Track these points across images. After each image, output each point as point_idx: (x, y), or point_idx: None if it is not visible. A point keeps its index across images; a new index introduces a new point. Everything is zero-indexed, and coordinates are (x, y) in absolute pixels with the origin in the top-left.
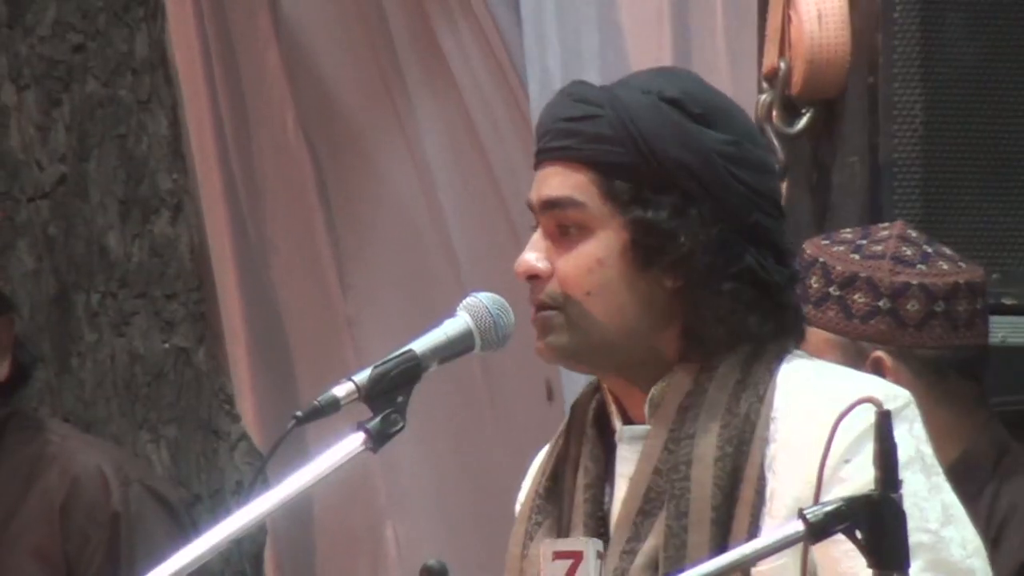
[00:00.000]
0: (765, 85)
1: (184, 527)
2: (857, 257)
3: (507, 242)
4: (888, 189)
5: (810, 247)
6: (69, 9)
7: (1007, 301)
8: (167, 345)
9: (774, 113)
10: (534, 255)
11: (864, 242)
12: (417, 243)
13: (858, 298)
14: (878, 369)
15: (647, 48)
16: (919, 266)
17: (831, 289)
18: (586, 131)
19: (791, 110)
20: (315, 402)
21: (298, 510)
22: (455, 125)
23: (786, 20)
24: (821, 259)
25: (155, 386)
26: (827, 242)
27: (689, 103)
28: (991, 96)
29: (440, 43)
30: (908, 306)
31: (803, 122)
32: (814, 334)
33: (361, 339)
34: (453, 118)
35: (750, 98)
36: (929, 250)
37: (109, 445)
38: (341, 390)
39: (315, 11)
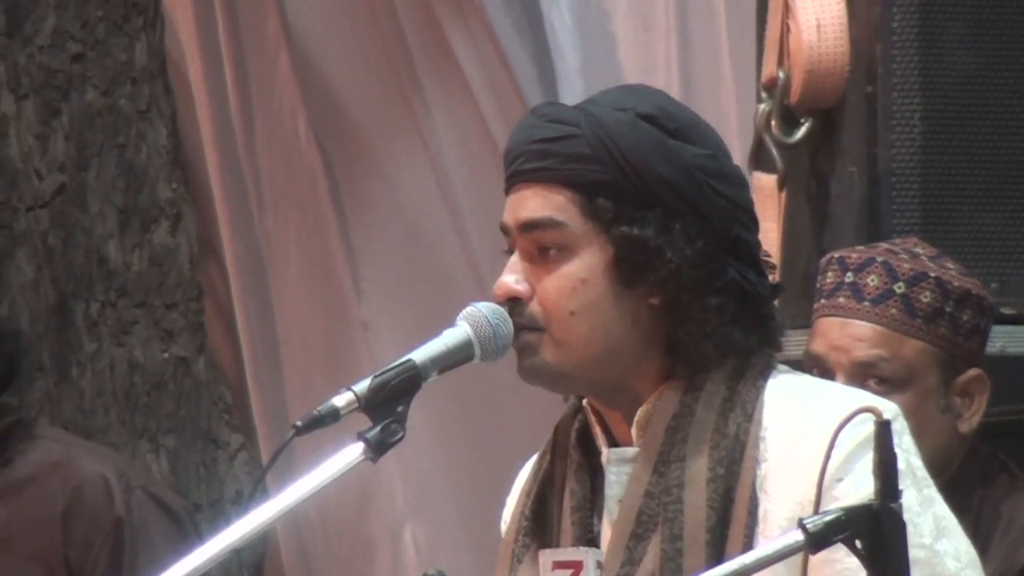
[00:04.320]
0: (764, 95)
1: (187, 534)
2: (962, 275)
3: None
4: (887, 199)
5: (912, 262)
6: (68, 18)
7: (1005, 311)
8: (166, 355)
9: (773, 123)
10: (513, 277)
11: (943, 258)
12: (431, 246)
13: (966, 316)
14: (980, 386)
15: (650, 58)
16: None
17: (946, 306)
18: (563, 151)
19: (790, 120)
20: (315, 412)
21: (312, 515)
22: (468, 127)
23: (785, 30)
24: (933, 275)
25: (154, 396)
26: (928, 256)
27: (664, 119)
28: (990, 105)
29: (451, 44)
30: (989, 327)
31: (802, 132)
32: (915, 347)
33: (376, 343)
34: (466, 120)
35: (752, 108)
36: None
37: (111, 452)
38: (341, 400)
39: (324, 15)
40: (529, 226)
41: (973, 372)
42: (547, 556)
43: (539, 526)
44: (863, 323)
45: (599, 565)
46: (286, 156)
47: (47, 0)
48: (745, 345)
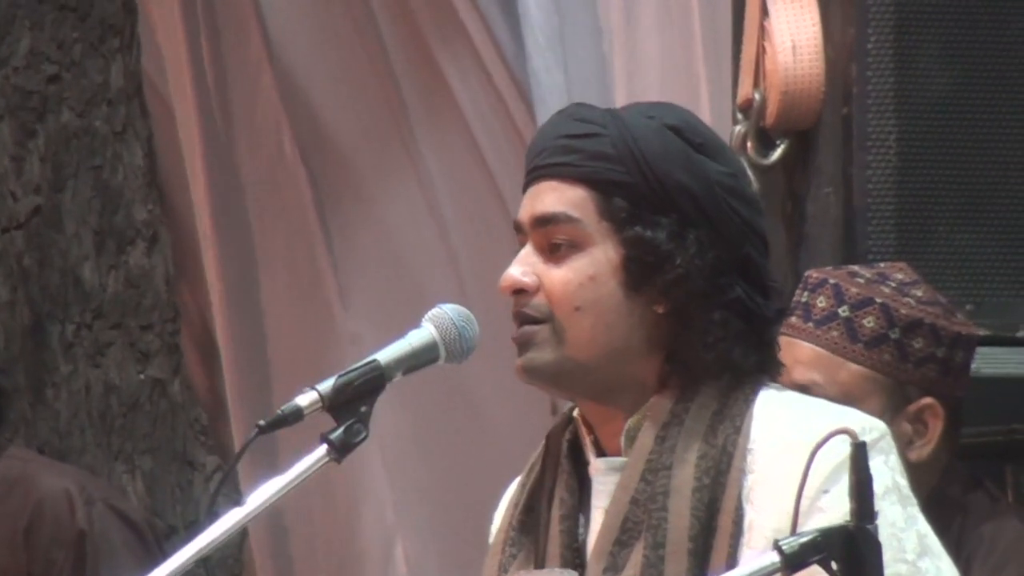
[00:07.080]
0: (740, 116)
1: (149, 547)
2: (923, 304)
3: (510, 257)
4: (862, 220)
5: (864, 287)
6: (44, 40)
7: (980, 332)
8: (142, 376)
9: (749, 144)
10: (520, 269)
11: (912, 285)
12: (418, 258)
13: (917, 344)
14: (933, 416)
15: (626, 81)
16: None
17: (891, 332)
18: (586, 148)
19: (765, 141)
20: (279, 411)
21: (302, 529)
22: (454, 139)
23: (760, 51)
24: (880, 300)
25: (130, 417)
26: (897, 283)
27: (690, 132)
28: (965, 127)
29: (436, 59)
30: (957, 356)
31: (777, 153)
32: (853, 371)
33: (363, 356)
34: (452, 133)
35: (728, 129)
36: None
37: (72, 468)
38: (304, 399)
39: (306, 34)
40: (543, 220)
41: (925, 401)
42: None
43: (526, 535)
44: (806, 344)
45: None
46: (271, 172)
47: (23, 21)
48: (743, 364)
